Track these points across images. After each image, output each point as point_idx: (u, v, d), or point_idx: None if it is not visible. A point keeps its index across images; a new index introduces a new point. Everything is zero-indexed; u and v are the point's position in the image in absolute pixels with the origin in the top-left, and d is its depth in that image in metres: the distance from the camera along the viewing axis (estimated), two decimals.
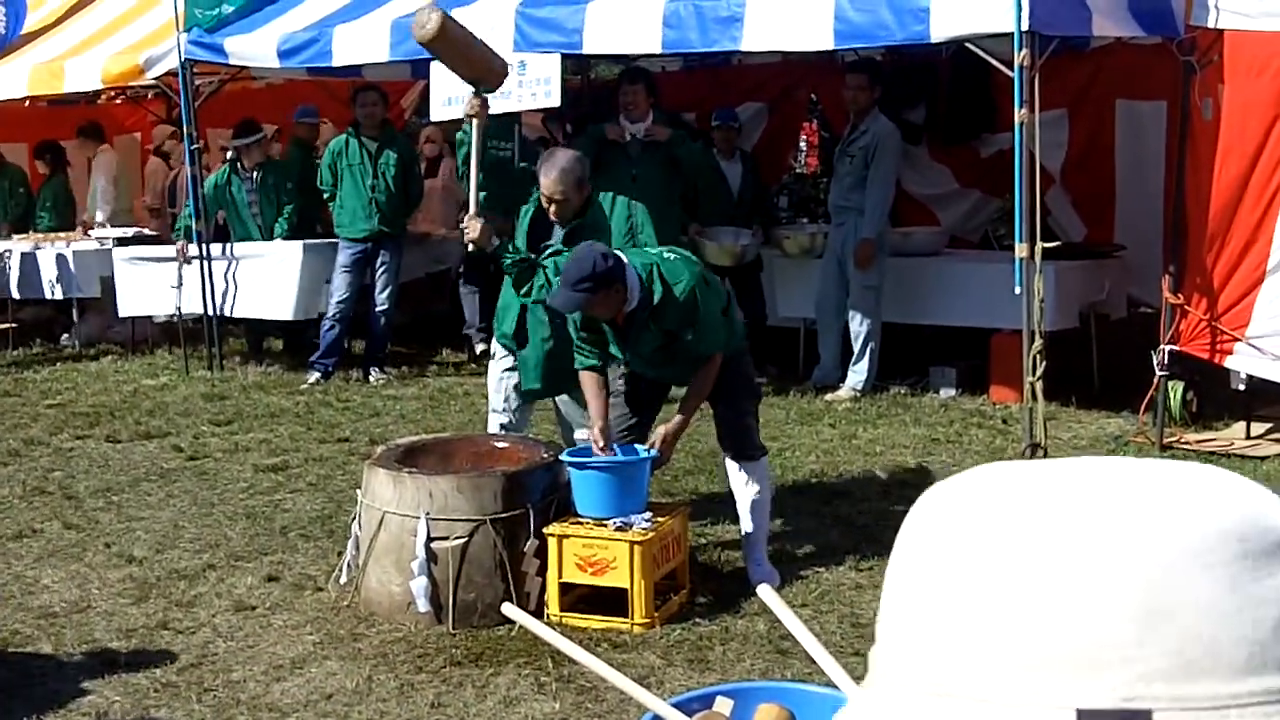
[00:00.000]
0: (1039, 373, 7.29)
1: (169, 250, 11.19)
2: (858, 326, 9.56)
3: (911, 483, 7.43)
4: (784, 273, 10.39)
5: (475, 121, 6.69)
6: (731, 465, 6.05)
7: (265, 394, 10.02)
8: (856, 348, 9.57)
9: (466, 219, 6.53)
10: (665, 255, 5.72)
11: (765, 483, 6.10)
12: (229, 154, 11.55)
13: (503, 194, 9.50)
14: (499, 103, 8.49)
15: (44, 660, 5.28)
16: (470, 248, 6.58)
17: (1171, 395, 8.18)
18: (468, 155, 7.19)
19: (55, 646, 5.39)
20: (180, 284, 10.78)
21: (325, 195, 10.61)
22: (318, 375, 10.39)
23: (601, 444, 5.69)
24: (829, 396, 9.45)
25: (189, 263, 10.87)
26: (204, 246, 10.72)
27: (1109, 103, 10.12)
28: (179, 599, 5.89)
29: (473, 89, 6.72)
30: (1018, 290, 7.29)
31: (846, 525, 6.77)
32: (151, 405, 9.74)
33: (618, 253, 5.58)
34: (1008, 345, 9.26)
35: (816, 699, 3.28)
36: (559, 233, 6.36)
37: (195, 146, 10.66)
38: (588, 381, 5.81)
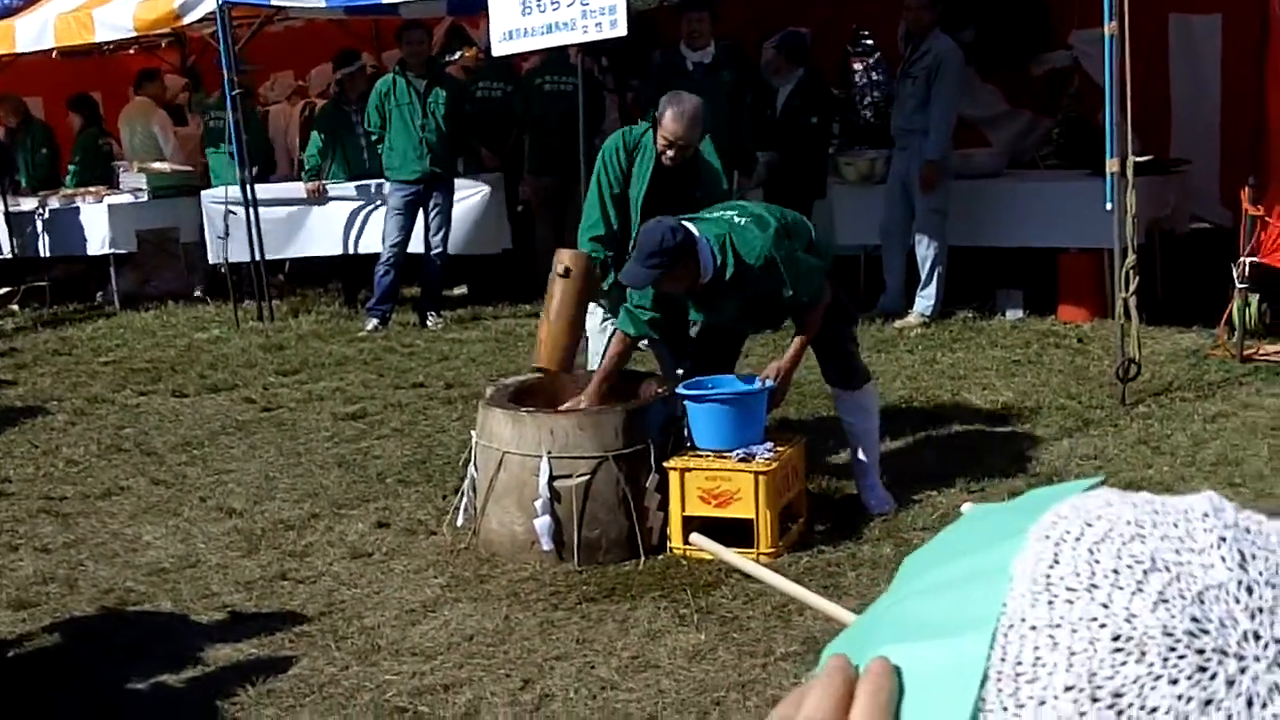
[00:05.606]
0: (1132, 288, 7.17)
1: (291, 190, 11.12)
2: (924, 251, 9.39)
3: (1003, 403, 7.34)
4: (843, 200, 10.22)
5: None
6: (840, 394, 5.95)
7: (324, 343, 9.86)
8: (924, 272, 9.41)
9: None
10: (737, 221, 5.44)
11: (874, 409, 6.00)
12: (333, 87, 11.45)
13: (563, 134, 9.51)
14: (562, 35, 8.31)
15: (167, 616, 5.18)
16: None
17: (1249, 307, 8.08)
18: None
19: (174, 602, 5.29)
20: (246, 231, 10.61)
21: (374, 137, 10.37)
22: (375, 322, 10.21)
23: (584, 404, 5.69)
24: (898, 323, 9.32)
25: (322, 203, 10.88)
26: (248, 191, 10.52)
27: (1162, 18, 9.94)
28: (290, 549, 5.78)
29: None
30: (1109, 206, 7.16)
31: (948, 448, 6.69)
32: (211, 358, 9.59)
33: (688, 225, 5.34)
34: (1076, 264, 9.16)
35: None
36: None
37: (236, 92, 10.42)
38: (616, 343, 5.78)
